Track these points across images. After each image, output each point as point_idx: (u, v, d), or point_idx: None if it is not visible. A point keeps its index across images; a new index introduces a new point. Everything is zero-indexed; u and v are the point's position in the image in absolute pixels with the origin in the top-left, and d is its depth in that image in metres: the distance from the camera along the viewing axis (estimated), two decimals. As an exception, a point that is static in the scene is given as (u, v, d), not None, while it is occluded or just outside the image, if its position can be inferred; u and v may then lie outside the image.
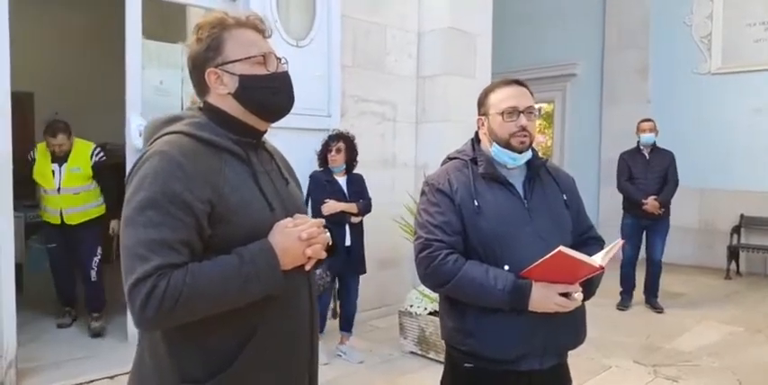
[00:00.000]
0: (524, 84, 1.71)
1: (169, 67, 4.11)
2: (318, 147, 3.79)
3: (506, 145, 1.66)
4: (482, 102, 1.73)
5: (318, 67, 4.21)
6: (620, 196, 5.22)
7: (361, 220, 3.75)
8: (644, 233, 5.10)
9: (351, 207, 3.64)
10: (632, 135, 5.25)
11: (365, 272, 3.79)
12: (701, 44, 7.13)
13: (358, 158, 3.86)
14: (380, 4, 4.70)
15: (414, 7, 4.94)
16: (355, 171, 3.87)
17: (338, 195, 3.64)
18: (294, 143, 3.82)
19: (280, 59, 1.26)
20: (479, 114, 1.74)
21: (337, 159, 3.71)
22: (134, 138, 3.58)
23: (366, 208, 3.76)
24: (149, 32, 3.81)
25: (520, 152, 1.66)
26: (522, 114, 1.64)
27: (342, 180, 3.76)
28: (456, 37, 4.87)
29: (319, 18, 4.30)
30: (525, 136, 1.64)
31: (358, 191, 3.79)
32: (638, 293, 5.18)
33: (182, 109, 3.51)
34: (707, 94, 7.03)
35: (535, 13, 8.39)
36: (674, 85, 7.27)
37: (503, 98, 1.67)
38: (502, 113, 1.65)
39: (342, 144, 3.71)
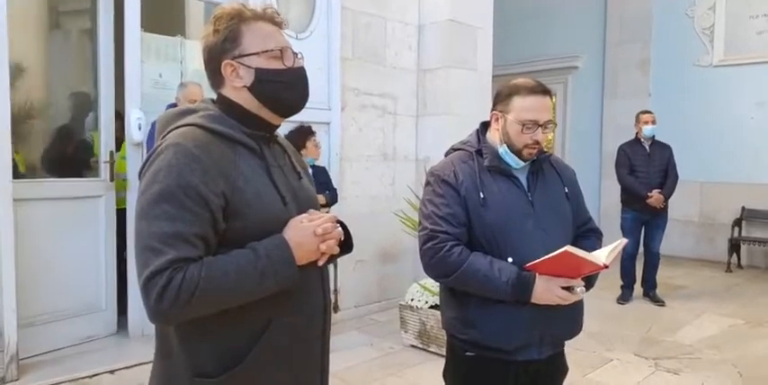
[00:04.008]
0: (550, 92, 1.68)
1: (168, 61, 4.10)
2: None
3: (516, 152, 1.66)
4: (503, 100, 1.68)
5: (318, 59, 4.19)
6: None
7: (329, 211, 3.78)
8: (643, 227, 5.09)
9: (319, 199, 3.69)
10: (633, 128, 5.21)
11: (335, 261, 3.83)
12: (704, 36, 7.09)
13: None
14: (380, -4, 4.68)
15: (414, -1, 4.91)
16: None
17: None
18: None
19: (296, 54, 1.25)
20: (496, 109, 1.70)
21: (318, 152, 3.84)
22: (133, 132, 3.57)
23: (333, 199, 3.88)
24: (148, 25, 3.80)
25: (526, 161, 1.68)
26: (539, 127, 1.63)
27: None
28: (456, 29, 4.84)
29: (319, 10, 4.28)
30: (536, 148, 1.65)
31: (323, 182, 3.88)
32: (639, 287, 5.18)
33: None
34: (709, 86, 7.00)
35: (537, 6, 8.34)
36: (675, 78, 7.23)
37: (527, 107, 1.63)
38: (522, 124, 1.62)
39: (317, 137, 3.83)
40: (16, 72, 3.60)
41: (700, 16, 7.11)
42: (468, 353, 1.68)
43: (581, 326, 1.76)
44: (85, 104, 3.75)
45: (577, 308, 1.70)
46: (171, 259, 1.04)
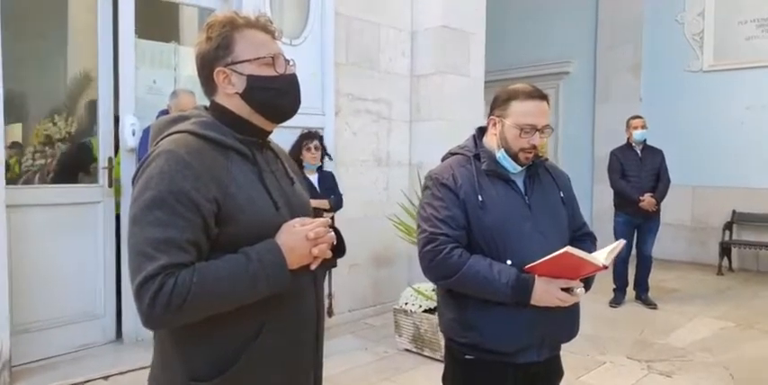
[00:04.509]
0: (547, 97, 1.71)
1: (162, 67, 4.11)
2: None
3: (513, 156, 1.68)
4: (501, 105, 1.70)
5: (312, 65, 4.21)
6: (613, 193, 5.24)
7: (333, 216, 3.80)
8: (635, 230, 5.12)
9: (323, 203, 3.76)
10: (624, 133, 5.26)
11: (336, 265, 3.86)
12: (693, 42, 7.17)
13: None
14: (374, 2, 4.70)
15: (407, 5, 4.95)
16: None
17: (311, 192, 3.71)
18: (288, 141, 3.85)
19: (288, 61, 1.27)
20: (494, 114, 1.72)
21: (316, 157, 3.85)
22: (127, 138, 3.57)
23: (338, 204, 3.90)
24: (142, 32, 3.81)
25: (523, 165, 1.70)
26: (537, 132, 1.65)
27: (313, 177, 3.89)
28: (449, 35, 4.88)
29: (313, 16, 4.30)
30: (532, 152, 1.67)
31: (329, 187, 3.92)
32: (631, 290, 5.20)
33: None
34: (699, 91, 7.07)
35: (529, 12, 8.41)
36: (666, 83, 7.30)
37: (525, 112, 1.65)
38: (520, 128, 1.64)
39: (317, 142, 3.86)
40: (84, 81, 3.70)
41: (689, 22, 7.19)
42: (467, 357, 1.69)
43: (578, 328, 1.78)
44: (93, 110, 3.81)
45: (575, 310, 1.72)
46: (163, 265, 1.05)
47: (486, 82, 5.20)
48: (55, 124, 3.63)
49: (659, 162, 5.08)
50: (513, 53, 8.29)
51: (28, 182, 4.38)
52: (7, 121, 4.75)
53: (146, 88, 3.97)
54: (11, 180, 4.59)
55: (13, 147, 4.74)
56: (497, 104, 1.71)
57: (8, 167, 4.71)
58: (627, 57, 7.57)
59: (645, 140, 5.09)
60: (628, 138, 5.15)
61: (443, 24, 4.83)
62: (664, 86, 7.31)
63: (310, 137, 3.85)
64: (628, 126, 5.14)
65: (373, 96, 4.73)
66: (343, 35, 4.48)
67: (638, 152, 5.09)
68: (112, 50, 3.58)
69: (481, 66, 5.14)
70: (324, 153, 3.96)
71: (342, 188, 4.11)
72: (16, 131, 4.59)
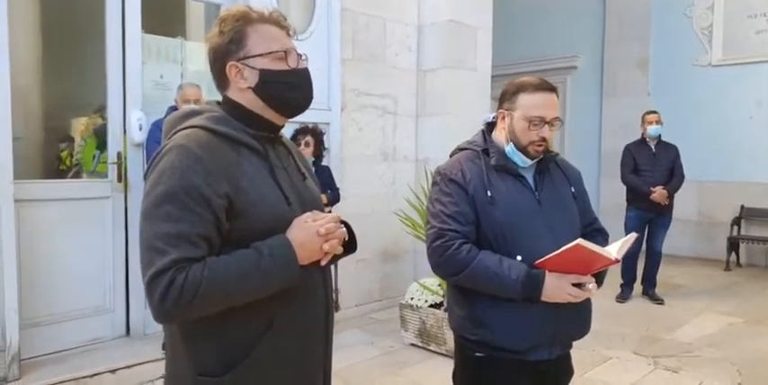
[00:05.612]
0: (556, 90, 1.68)
1: (169, 62, 4.11)
2: None
3: (523, 150, 1.66)
4: (509, 98, 1.68)
5: (318, 60, 4.20)
6: (621, 188, 5.22)
7: (330, 210, 3.82)
8: (647, 225, 5.10)
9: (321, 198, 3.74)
10: (632, 127, 5.23)
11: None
12: (702, 36, 7.11)
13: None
14: (380, -4, 4.69)
15: (413, 0, 4.92)
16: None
17: None
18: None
19: (300, 56, 1.26)
20: (502, 107, 1.70)
21: (306, 153, 3.83)
22: (134, 133, 3.58)
23: (335, 198, 3.93)
24: (148, 27, 3.81)
25: (533, 158, 1.68)
26: (546, 124, 1.63)
27: None
28: (456, 30, 4.86)
29: (319, 11, 4.29)
30: (542, 145, 1.65)
31: (326, 182, 3.92)
32: (638, 285, 5.19)
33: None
34: (707, 85, 7.01)
35: (536, 6, 8.35)
36: (674, 77, 7.25)
37: (534, 104, 1.63)
38: (529, 121, 1.62)
39: (310, 138, 3.84)
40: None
41: (698, 16, 7.12)
42: (477, 354, 1.68)
43: (590, 325, 1.75)
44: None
45: (586, 306, 1.70)
46: (174, 259, 1.05)
47: (493, 76, 5.17)
48: (104, 118, 3.70)
49: (673, 158, 5.05)
50: (521, 47, 8.25)
51: (77, 175, 4.48)
52: (73, 115, 4.87)
53: (152, 83, 3.97)
54: (64, 172, 4.74)
55: (65, 140, 4.85)
56: (506, 98, 1.69)
57: (61, 160, 4.86)
58: (635, 51, 7.52)
59: (659, 136, 5.06)
60: (642, 134, 5.12)
61: (450, 19, 4.81)
62: (672, 81, 7.26)
63: (304, 132, 3.85)
64: (642, 121, 5.10)
65: (379, 91, 4.72)
66: (349, 30, 4.47)
67: (653, 147, 5.06)
68: (121, 46, 3.58)
69: (488, 60, 5.11)
70: (320, 148, 3.95)
71: (348, 183, 4.12)
72: (80, 125, 4.72)
